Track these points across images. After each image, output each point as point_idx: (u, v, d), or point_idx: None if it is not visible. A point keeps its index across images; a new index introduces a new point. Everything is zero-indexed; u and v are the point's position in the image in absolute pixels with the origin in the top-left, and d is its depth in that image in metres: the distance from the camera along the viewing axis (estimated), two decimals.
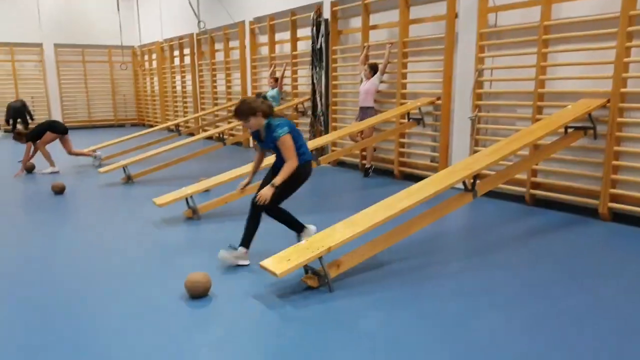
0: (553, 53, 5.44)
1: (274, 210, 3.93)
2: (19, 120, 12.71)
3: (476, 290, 3.44)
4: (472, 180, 4.20)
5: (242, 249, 3.81)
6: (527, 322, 2.95)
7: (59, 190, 6.60)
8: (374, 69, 7.19)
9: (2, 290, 3.56)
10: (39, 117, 15.26)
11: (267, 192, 3.65)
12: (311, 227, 4.12)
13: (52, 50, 15.71)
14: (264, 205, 3.74)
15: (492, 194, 5.55)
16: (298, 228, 4.07)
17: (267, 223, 3.98)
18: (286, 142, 3.67)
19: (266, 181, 3.97)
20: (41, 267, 3.97)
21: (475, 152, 5.71)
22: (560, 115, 4.95)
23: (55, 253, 4.36)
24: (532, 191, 5.60)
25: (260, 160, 4.24)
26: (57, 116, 15.85)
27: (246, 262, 3.81)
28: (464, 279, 3.64)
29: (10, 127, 12.56)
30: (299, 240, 3.91)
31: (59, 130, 8.28)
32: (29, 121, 12.88)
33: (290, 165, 3.68)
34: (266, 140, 3.82)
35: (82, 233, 4.95)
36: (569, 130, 5.08)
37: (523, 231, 4.86)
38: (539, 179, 5.64)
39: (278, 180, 3.65)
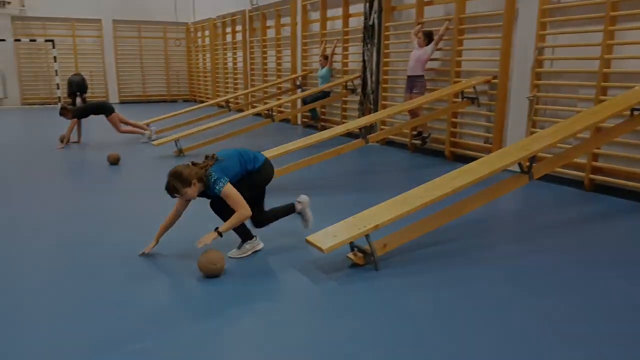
0: (621, 31, 5.12)
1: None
2: (78, 93, 13.16)
3: (524, 275, 3.32)
4: (528, 163, 4.04)
5: (246, 244, 3.62)
6: (578, 310, 2.83)
7: (114, 161, 6.83)
8: (429, 37, 6.94)
9: (59, 250, 3.72)
10: (98, 91, 15.84)
11: (207, 238, 3.28)
12: (260, 243, 3.73)
13: (111, 26, 16.15)
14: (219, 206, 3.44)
15: (549, 178, 5.34)
16: (248, 236, 3.65)
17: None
18: (230, 194, 3.29)
19: (216, 202, 3.48)
20: (94, 229, 4.13)
21: (532, 133, 5.48)
22: (626, 97, 4.66)
23: (109, 217, 4.53)
24: (592, 176, 5.33)
25: (179, 214, 3.61)
26: (113, 90, 16.39)
27: (260, 246, 3.68)
28: (513, 263, 3.52)
29: (70, 100, 13.03)
30: (239, 247, 3.62)
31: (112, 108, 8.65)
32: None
33: (240, 214, 3.32)
34: (210, 194, 3.41)
35: (135, 199, 5.10)
36: (635, 112, 4.78)
37: (580, 217, 4.65)
38: (600, 163, 5.36)
39: (225, 227, 3.32)
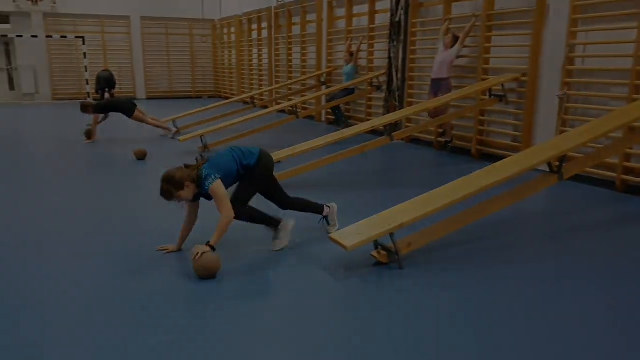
0: None
1: (245, 213, 3.50)
2: (106, 89, 13.39)
3: (551, 276, 3.25)
4: (558, 162, 3.94)
5: (278, 232, 3.61)
6: (607, 313, 2.75)
7: (141, 156, 6.91)
8: (457, 39, 6.88)
9: (84, 238, 3.79)
10: (125, 87, 16.08)
11: (202, 249, 3.15)
12: (289, 222, 3.66)
13: (139, 23, 16.37)
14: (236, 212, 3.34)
15: (579, 178, 5.21)
16: (274, 223, 3.63)
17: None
18: (217, 191, 3.22)
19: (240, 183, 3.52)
20: (118, 219, 4.20)
21: (562, 132, 5.37)
22: None
23: (134, 207, 4.59)
24: (624, 177, 5.18)
25: (194, 218, 3.56)
26: (140, 86, 16.63)
27: (292, 223, 3.66)
28: (539, 264, 3.45)
29: (99, 96, 13.26)
30: (275, 237, 3.61)
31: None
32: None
33: (225, 219, 3.23)
34: (202, 194, 3.38)
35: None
36: None
37: (610, 219, 4.52)
38: (632, 163, 5.21)
39: (214, 239, 3.20)
